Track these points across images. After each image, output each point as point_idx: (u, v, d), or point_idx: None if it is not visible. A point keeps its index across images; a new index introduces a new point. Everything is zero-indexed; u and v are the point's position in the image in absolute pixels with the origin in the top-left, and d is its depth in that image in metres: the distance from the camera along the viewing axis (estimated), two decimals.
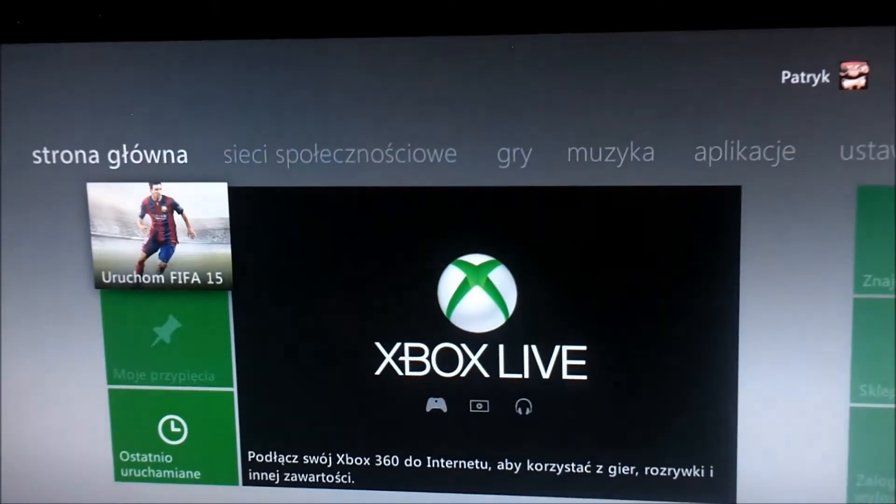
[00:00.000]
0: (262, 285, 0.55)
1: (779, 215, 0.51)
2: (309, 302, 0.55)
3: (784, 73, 0.50)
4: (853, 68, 0.49)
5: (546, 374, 0.55)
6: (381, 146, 0.53)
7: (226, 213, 0.55)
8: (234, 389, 0.57)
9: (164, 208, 0.55)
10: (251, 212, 0.55)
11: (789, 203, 0.51)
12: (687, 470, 0.54)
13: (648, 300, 0.53)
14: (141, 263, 0.56)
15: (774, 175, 0.51)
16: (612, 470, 0.55)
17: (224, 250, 0.55)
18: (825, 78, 0.50)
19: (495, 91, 0.52)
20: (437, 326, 0.55)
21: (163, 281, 0.56)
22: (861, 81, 0.50)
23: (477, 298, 0.54)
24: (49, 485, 0.59)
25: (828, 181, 0.51)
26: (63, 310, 0.57)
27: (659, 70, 0.51)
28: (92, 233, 0.56)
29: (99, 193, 0.55)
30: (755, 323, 0.52)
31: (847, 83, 0.50)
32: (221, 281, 0.55)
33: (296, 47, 0.52)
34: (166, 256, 0.55)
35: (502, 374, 0.55)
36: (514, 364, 0.55)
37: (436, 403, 0.56)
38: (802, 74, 0.50)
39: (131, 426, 0.58)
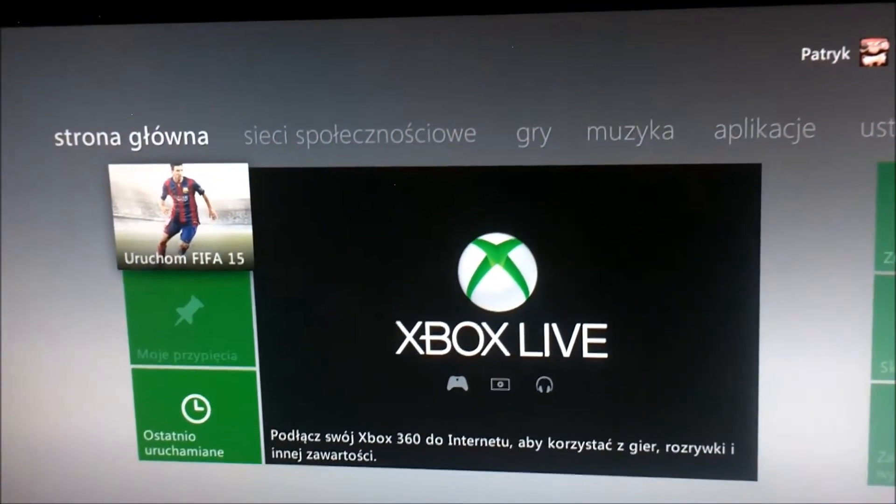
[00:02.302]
0: (284, 265, 0.56)
1: (799, 193, 0.51)
2: (330, 282, 0.56)
3: (804, 50, 0.50)
4: (873, 45, 0.49)
5: (566, 353, 0.55)
6: (400, 126, 0.53)
7: (247, 194, 0.55)
8: (257, 369, 0.57)
9: (185, 189, 0.55)
10: (272, 192, 0.55)
11: (809, 180, 0.51)
12: (708, 447, 0.55)
13: (668, 279, 0.53)
14: (163, 244, 0.56)
15: (795, 152, 0.51)
16: (633, 447, 0.55)
17: (245, 231, 0.55)
18: (845, 55, 0.50)
19: (515, 70, 0.52)
20: (457, 305, 0.55)
21: (185, 261, 0.56)
22: (881, 58, 0.49)
23: (497, 277, 0.54)
24: (74, 464, 0.60)
25: (848, 158, 0.51)
26: (86, 291, 0.57)
27: (679, 48, 0.50)
28: (114, 214, 0.56)
29: (121, 175, 0.55)
30: (776, 300, 0.52)
31: (867, 60, 0.50)
32: (243, 261, 0.56)
33: (315, 28, 0.53)
34: (188, 237, 0.56)
35: (523, 353, 0.55)
36: (534, 342, 0.55)
37: (457, 382, 0.56)
38: (823, 51, 0.50)
39: (155, 405, 0.59)
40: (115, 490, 0.60)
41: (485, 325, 0.55)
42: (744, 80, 0.50)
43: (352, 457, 0.58)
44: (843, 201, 0.51)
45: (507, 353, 0.55)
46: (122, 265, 0.57)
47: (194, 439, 0.59)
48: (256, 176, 0.55)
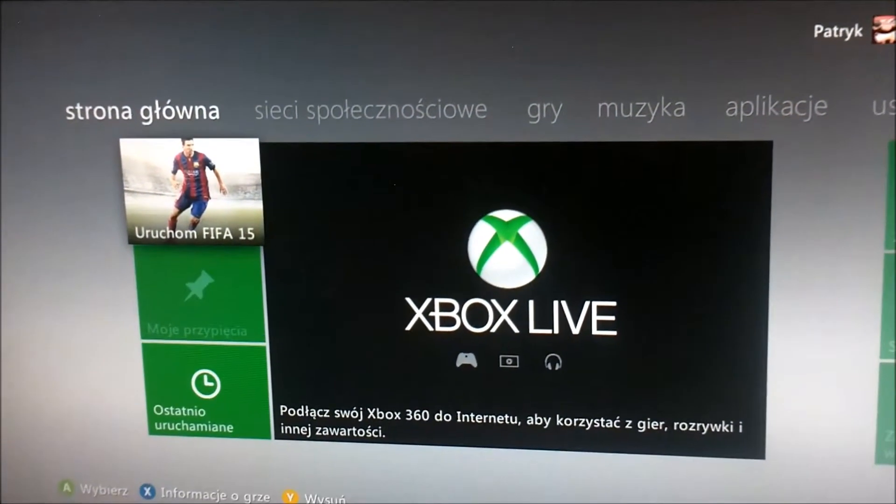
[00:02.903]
0: (294, 241, 0.56)
1: (810, 170, 0.51)
2: (340, 257, 0.56)
3: (817, 27, 0.50)
4: (886, 22, 0.49)
5: (576, 330, 0.55)
6: (411, 102, 0.53)
7: (257, 169, 0.55)
8: (267, 344, 0.57)
9: (196, 164, 0.55)
10: (282, 167, 0.55)
11: (821, 158, 0.51)
12: (716, 425, 0.55)
13: (678, 256, 0.53)
14: (173, 219, 0.56)
15: (806, 130, 0.51)
16: (642, 425, 0.55)
17: (256, 206, 0.55)
18: (858, 32, 0.49)
19: (526, 47, 0.52)
20: (467, 282, 0.55)
21: (195, 236, 0.56)
22: (893, 36, 0.49)
23: (507, 254, 0.54)
24: (84, 438, 0.60)
25: (859, 136, 0.51)
26: (97, 266, 0.58)
27: (690, 24, 0.50)
28: (125, 189, 0.56)
29: (132, 149, 0.55)
30: (785, 278, 0.52)
31: (880, 37, 0.49)
32: (253, 236, 0.56)
33: (328, 3, 0.53)
34: (198, 212, 0.56)
35: (532, 330, 0.55)
36: (543, 319, 0.55)
37: (466, 359, 0.56)
38: (835, 28, 0.50)
39: (165, 380, 0.59)
40: (125, 465, 0.60)
41: (494, 301, 0.55)
42: (756, 58, 0.50)
43: (360, 433, 0.58)
44: (854, 179, 0.51)
45: (516, 330, 0.55)
46: (132, 240, 0.57)
47: (204, 414, 0.59)
48: (267, 151, 0.55)
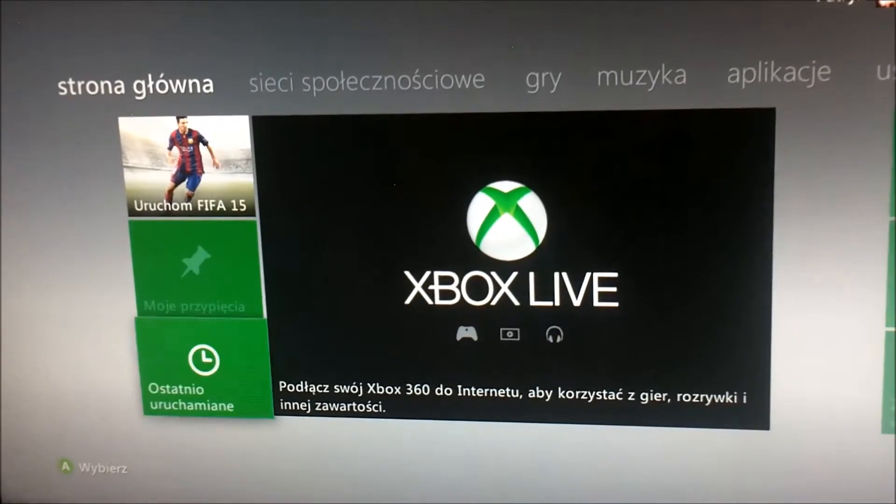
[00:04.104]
0: (291, 215, 0.55)
1: (813, 137, 0.51)
2: (338, 231, 0.55)
3: None
4: None
5: (577, 302, 0.54)
6: (408, 73, 0.53)
7: (247, 145, 0.55)
8: (265, 318, 0.57)
9: (190, 140, 0.55)
10: (278, 140, 0.54)
11: (824, 125, 0.50)
12: (720, 396, 0.54)
13: (680, 226, 0.53)
14: (170, 192, 0.56)
15: (809, 96, 0.50)
16: (644, 397, 0.55)
17: (248, 179, 0.55)
18: None
19: (523, 15, 0.51)
20: (466, 255, 0.55)
21: (190, 208, 0.56)
22: None
23: (506, 226, 0.54)
24: (76, 418, 0.60)
25: (863, 102, 0.50)
26: (93, 241, 0.57)
27: None
28: (124, 164, 0.56)
29: (130, 127, 0.55)
30: (789, 247, 0.52)
31: (884, 1, 0.49)
32: (245, 208, 0.55)
33: None
34: (193, 185, 0.56)
35: (533, 302, 0.55)
36: (544, 292, 0.54)
37: (466, 332, 0.56)
38: None
39: (161, 358, 0.58)
40: (119, 446, 0.60)
41: (494, 274, 0.55)
42: (757, 23, 0.50)
43: (361, 408, 0.58)
44: (859, 146, 0.50)
45: (516, 303, 0.55)
46: (132, 212, 0.56)
47: (202, 392, 0.59)
48: (261, 124, 0.54)
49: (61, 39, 0.55)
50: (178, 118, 0.55)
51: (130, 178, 0.56)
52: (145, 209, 0.56)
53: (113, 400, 0.59)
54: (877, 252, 0.51)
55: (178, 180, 0.56)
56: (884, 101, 0.50)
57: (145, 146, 0.56)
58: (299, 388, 0.58)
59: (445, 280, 0.55)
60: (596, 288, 0.54)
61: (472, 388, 0.56)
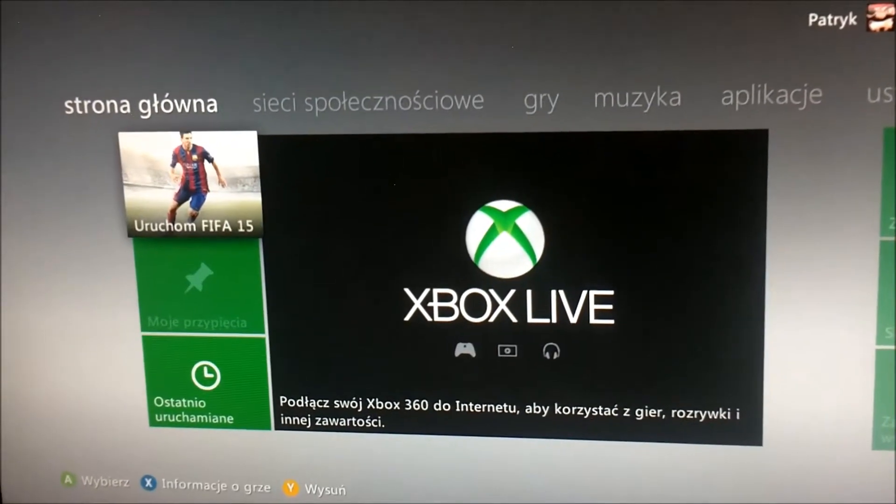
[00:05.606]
0: (293, 233, 0.56)
1: (805, 158, 0.51)
2: (338, 249, 0.56)
3: (811, 15, 0.50)
4: (880, 10, 0.49)
5: (573, 319, 0.55)
6: (408, 93, 0.53)
7: (255, 162, 0.55)
8: (266, 336, 0.58)
9: (194, 157, 0.55)
10: (281, 160, 0.55)
11: (816, 146, 0.51)
12: (714, 412, 0.55)
13: (675, 245, 0.53)
14: (173, 212, 0.56)
15: (801, 118, 0.51)
16: (639, 413, 0.56)
17: (254, 198, 0.55)
18: (852, 20, 0.50)
19: (522, 37, 0.52)
20: (465, 272, 0.55)
21: (194, 229, 0.56)
22: (888, 23, 0.49)
23: (505, 244, 0.55)
24: (85, 431, 0.60)
25: (854, 124, 0.51)
26: (96, 259, 0.58)
27: (685, 14, 0.50)
28: (124, 182, 0.56)
29: (130, 143, 0.56)
30: (781, 266, 0.53)
31: (874, 25, 0.50)
32: (252, 228, 0.56)
33: None
34: (197, 204, 0.56)
35: (530, 319, 0.55)
36: (541, 309, 0.55)
37: (464, 348, 0.56)
38: (830, 17, 0.50)
39: (165, 372, 0.59)
40: (127, 456, 0.60)
41: (492, 291, 0.55)
42: (751, 46, 0.50)
43: (360, 423, 0.58)
44: (850, 167, 0.51)
45: (514, 320, 0.56)
46: (132, 233, 0.57)
47: (204, 406, 0.59)
48: (265, 143, 0.55)
49: (68, 58, 0.55)
50: (181, 133, 0.55)
51: (131, 196, 0.57)
52: (146, 229, 0.57)
53: (117, 413, 0.60)
54: (867, 270, 0.52)
55: (181, 199, 0.56)
56: (873, 123, 0.50)
57: (146, 163, 0.56)
58: (300, 402, 0.58)
59: (444, 297, 0.56)
60: (592, 305, 0.55)
61: (471, 404, 0.57)
